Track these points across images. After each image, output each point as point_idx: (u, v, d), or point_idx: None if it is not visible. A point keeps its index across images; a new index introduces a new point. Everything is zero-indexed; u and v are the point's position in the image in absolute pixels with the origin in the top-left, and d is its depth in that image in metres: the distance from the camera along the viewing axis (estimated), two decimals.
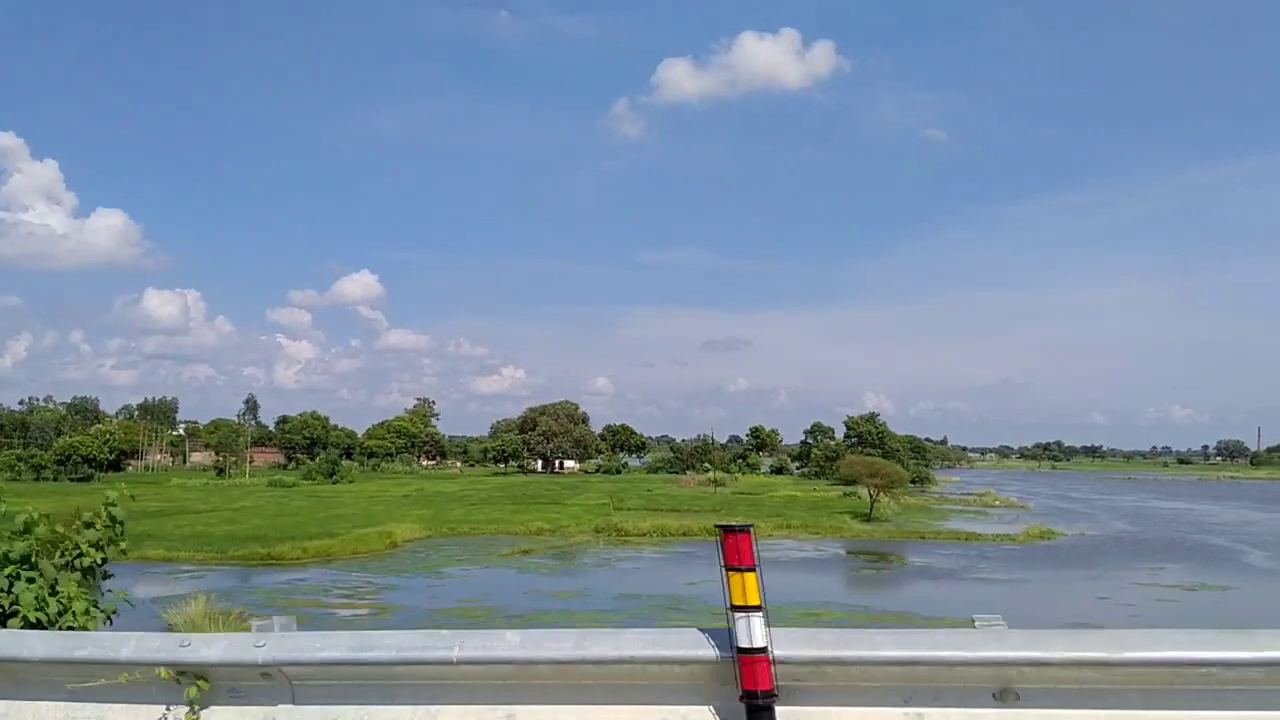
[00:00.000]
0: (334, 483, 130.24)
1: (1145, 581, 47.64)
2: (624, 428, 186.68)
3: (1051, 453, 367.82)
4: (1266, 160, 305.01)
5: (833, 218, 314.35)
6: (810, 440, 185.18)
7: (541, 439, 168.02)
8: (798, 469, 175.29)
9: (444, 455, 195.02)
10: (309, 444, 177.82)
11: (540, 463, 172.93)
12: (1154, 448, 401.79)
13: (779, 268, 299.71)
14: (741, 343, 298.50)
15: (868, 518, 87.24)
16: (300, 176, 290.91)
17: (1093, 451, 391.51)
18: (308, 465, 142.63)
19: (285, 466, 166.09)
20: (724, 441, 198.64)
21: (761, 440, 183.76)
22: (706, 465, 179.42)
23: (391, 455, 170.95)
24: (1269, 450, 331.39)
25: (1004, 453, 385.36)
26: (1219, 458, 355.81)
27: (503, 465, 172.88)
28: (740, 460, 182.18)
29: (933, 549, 66.60)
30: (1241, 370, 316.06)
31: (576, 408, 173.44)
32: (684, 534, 72.38)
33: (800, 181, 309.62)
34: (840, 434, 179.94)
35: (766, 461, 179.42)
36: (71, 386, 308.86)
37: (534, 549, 62.78)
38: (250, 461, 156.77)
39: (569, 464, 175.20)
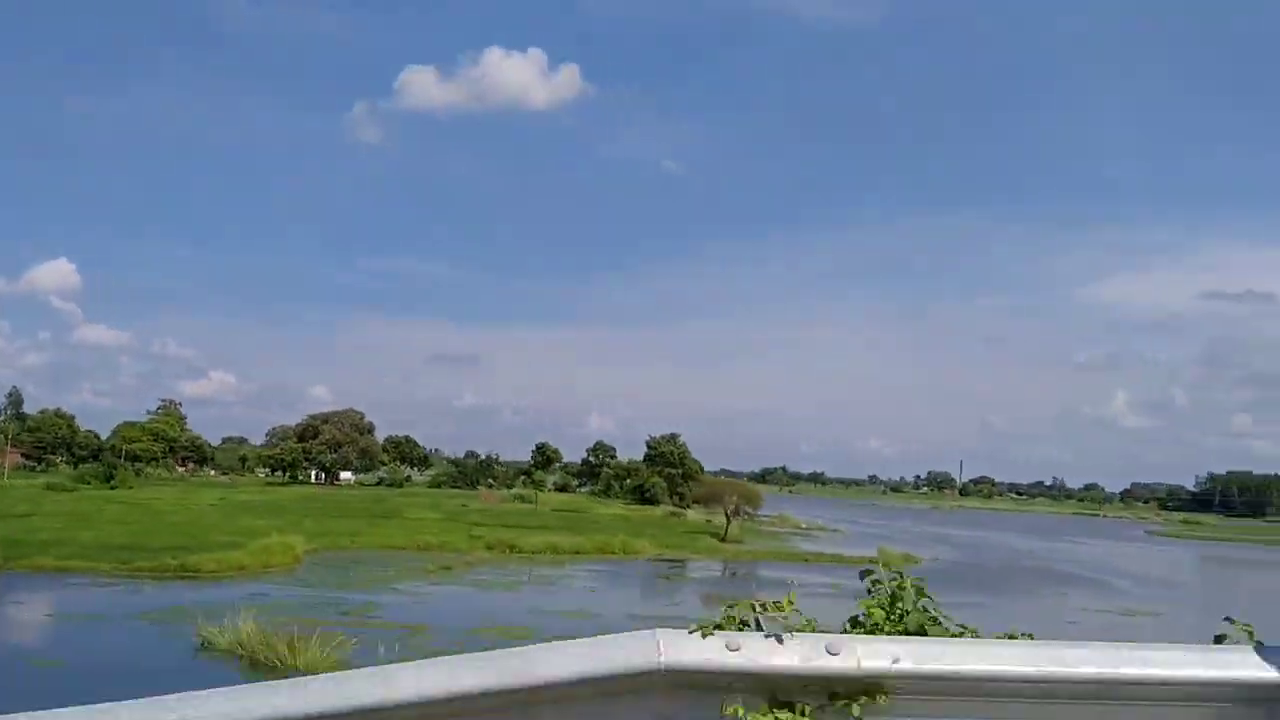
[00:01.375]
0: (112, 488, 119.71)
1: (1078, 605, 52.39)
2: (407, 440, 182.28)
3: (777, 478, 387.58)
4: (983, 211, 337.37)
5: (569, 240, 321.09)
6: (593, 459, 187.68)
7: (324, 448, 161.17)
8: (581, 487, 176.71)
9: (204, 461, 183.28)
10: (56, 444, 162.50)
11: (321, 474, 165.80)
12: (869, 477, 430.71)
13: (511, 285, 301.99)
14: (471, 358, 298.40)
15: (722, 538, 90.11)
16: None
17: (817, 478, 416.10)
18: (84, 469, 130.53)
19: (33, 468, 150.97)
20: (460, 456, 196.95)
21: (547, 457, 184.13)
22: (490, 481, 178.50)
23: (157, 459, 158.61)
24: (972, 482, 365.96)
25: (734, 477, 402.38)
26: (927, 487, 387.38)
27: (278, 474, 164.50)
28: (524, 477, 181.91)
29: (827, 571, 69.83)
30: (938, 408, 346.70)
31: (361, 417, 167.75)
32: (577, 552, 72.51)
33: (539, 201, 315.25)
34: (621, 453, 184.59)
35: (549, 479, 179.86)
36: None
37: (453, 565, 61.23)
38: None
39: (344, 475, 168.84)
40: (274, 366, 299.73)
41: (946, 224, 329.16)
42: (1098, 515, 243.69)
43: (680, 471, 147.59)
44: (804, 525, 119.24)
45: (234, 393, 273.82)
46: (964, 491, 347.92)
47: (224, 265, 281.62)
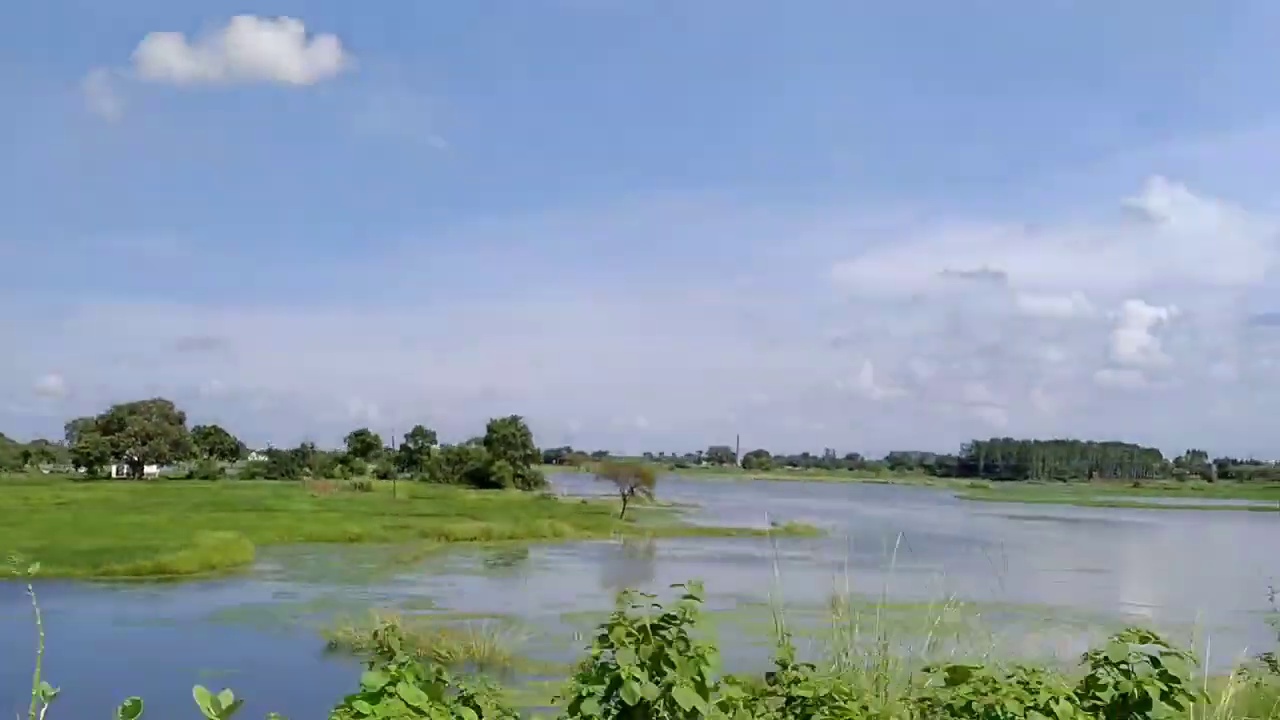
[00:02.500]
0: None
1: (1041, 568, 57.30)
2: (216, 429, 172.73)
3: (573, 458, 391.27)
4: (735, 193, 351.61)
5: (320, 218, 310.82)
6: (411, 445, 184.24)
7: (134, 440, 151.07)
8: (402, 474, 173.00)
9: None
10: None
11: (127, 468, 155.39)
12: (644, 453, 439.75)
13: (262, 265, 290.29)
14: (218, 341, 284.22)
15: (620, 517, 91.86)
16: None
17: (602, 455, 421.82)
18: None
19: None
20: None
21: (367, 444, 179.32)
22: (307, 470, 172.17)
23: None
24: (754, 454, 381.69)
25: None
26: (708, 462, 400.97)
27: (83, 470, 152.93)
28: (342, 465, 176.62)
29: (741, 544, 72.81)
30: (701, 385, 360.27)
31: (171, 406, 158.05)
32: (511, 537, 72.78)
33: (292, 178, 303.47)
34: (441, 438, 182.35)
35: (369, 467, 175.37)
36: None
37: (418, 556, 60.13)
38: None
39: (149, 469, 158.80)
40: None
41: (701, 205, 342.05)
42: (886, 483, 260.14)
43: (524, 454, 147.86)
44: (665, 503, 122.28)
45: None
46: (746, 464, 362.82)
47: None
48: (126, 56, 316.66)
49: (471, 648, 30.58)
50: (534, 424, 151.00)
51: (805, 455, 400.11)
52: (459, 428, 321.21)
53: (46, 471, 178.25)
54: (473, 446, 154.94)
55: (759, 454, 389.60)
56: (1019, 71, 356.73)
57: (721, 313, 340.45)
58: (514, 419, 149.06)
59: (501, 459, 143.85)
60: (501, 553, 63.97)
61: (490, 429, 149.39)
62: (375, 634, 31.55)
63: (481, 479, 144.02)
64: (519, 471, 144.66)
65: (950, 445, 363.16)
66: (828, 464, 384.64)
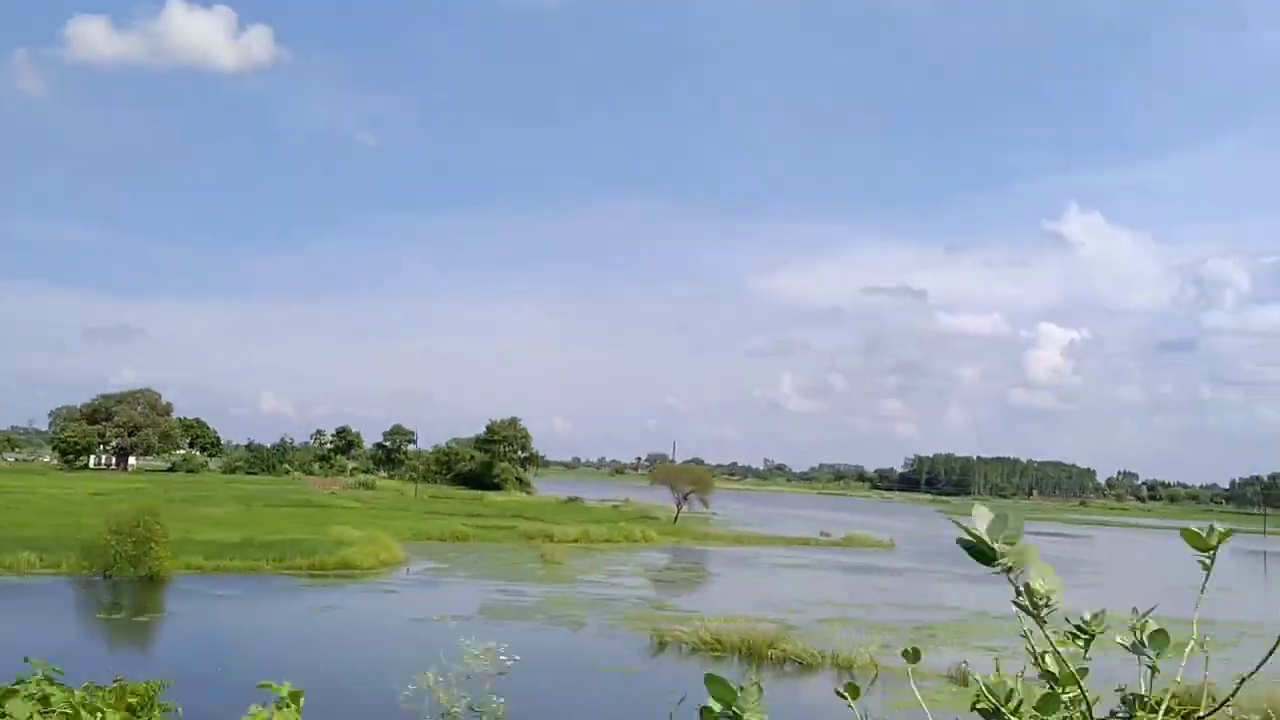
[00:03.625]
0: None
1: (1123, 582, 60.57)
2: (199, 422, 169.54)
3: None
4: (666, 201, 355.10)
5: (242, 209, 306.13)
6: (389, 444, 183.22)
7: (121, 431, 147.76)
8: (378, 472, 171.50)
9: None
10: None
11: (112, 460, 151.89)
12: (573, 459, 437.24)
13: (177, 255, 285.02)
14: (129, 331, 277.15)
15: (674, 522, 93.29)
16: None
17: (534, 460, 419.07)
18: None
19: None
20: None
21: (349, 441, 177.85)
22: (286, 466, 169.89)
23: None
24: (691, 463, 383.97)
25: None
26: (646, 468, 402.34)
27: (71, 460, 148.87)
28: (323, 462, 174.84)
29: (828, 553, 75.46)
30: (623, 391, 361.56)
31: (159, 397, 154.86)
32: (608, 540, 73.96)
33: (216, 167, 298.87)
34: (421, 439, 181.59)
35: (349, 465, 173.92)
36: None
37: (558, 559, 60.72)
38: None
39: (131, 461, 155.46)
40: None
41: (632, 210, 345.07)
42: (844, 495, 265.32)
43: (525, 455, 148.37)
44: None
45: None
46: None
47: None
48: (53, 36, 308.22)
49: (834, 653, 31.83)
50: (450, 423, 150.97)
51: (736, 465, 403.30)
52: (376, 425, 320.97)
53: (10, 460, 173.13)
54: (454, 446, 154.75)
55: (697, 462, 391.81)
56: (947, 91, 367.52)
57: (652, 319, 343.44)
58: (513, 420, 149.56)
59: (503, 460, 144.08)
60: (626, 555, 65.22)
61: (490, 430, 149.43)
62: (701, 636, 33.19)
63: (476, 480, 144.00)
64: (517, 474, 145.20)
65: (869, 458, 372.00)
66: (765, 474, 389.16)
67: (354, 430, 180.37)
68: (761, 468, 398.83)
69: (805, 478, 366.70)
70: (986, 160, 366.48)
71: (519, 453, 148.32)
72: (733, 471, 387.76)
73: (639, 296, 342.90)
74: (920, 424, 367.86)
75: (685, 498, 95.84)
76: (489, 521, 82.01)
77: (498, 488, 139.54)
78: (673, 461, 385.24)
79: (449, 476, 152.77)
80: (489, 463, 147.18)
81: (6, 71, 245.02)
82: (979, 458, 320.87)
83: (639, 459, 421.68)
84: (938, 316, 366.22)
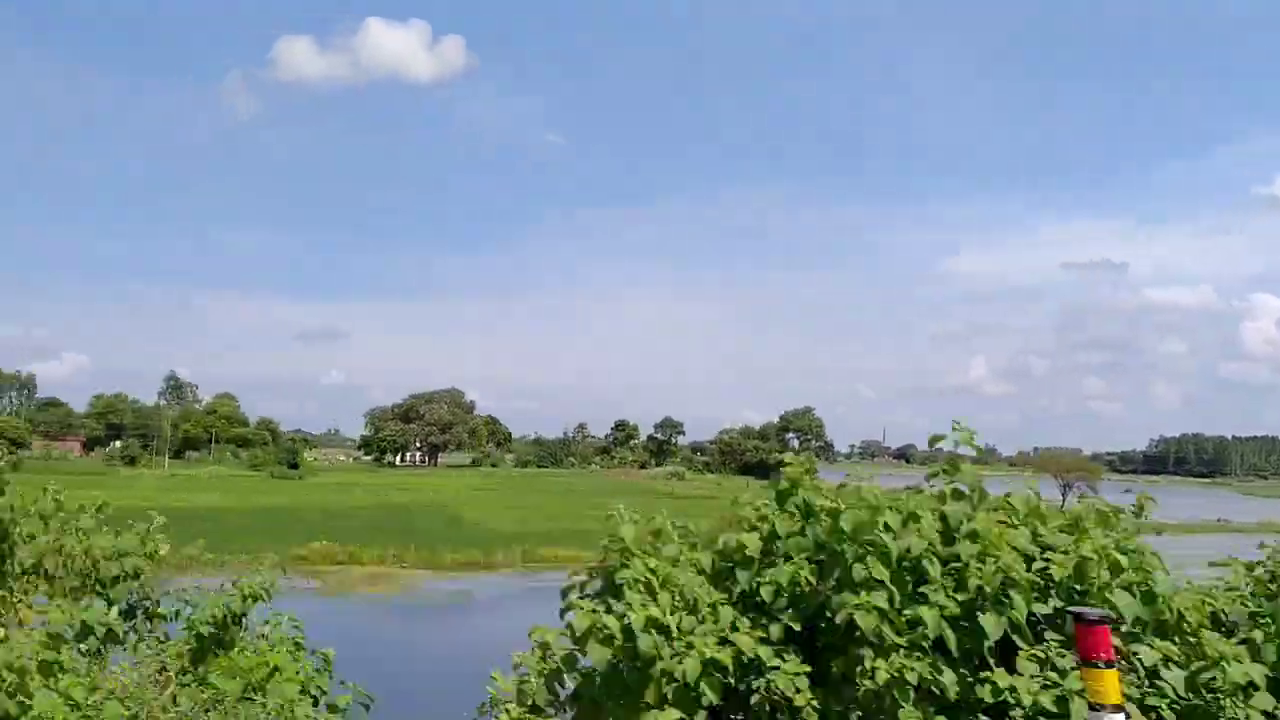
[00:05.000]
0: (299, 477, 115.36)
1: None
2: (492, 419, 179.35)
3: None
4: (820, 184, 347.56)
5: (439, 210, 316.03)
6: (659, 435, 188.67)
7: (433, 429, 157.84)
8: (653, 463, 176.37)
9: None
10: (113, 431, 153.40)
11: (419, 456, 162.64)
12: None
13: (377, 260, 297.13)
14: (335, 334, 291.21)
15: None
16: None
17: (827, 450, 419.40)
18: (253, 457, 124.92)
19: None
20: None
21: (628, 434, 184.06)
22: (572, 460, 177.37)
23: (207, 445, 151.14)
24: (903, 448, 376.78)
25: None
26: (859, 456, 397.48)
27: (378, 457, 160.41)
28: (604, 455, 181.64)
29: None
30: (807, 381, 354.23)
31: (462, 395, 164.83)
32: None
33: (413, 173, 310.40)
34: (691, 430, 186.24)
35: (629, 455, 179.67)
36: None
37: None
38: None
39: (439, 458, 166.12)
40: (129, 347, 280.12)
41: (805, 196, 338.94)
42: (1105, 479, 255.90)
43: (819, 445, 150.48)
44: None
45: (88, 374, 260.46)
46: (906, 459, 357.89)
47: (75, 245, 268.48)
48: (262, 58, 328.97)
49: None
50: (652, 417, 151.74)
51: (940, 451, 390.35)
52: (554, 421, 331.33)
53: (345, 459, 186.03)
54: (734, 437, 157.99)
55: (908, 449, 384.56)
56: (1134, 57, 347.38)
57: (832, 308, 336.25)
58: (807, 410, 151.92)
59: (803, 449, 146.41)
60: None
61: (783, 420, 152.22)
62: None
63: (761, 470, 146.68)
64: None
65: (1073, 440, 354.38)
66: (987, 460, 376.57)
67: (631, 423, 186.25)
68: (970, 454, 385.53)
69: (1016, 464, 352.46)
70: (1183, 126, 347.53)
71: (813, 441, 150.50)
72: (933, 457, 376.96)
73: (815, 286, 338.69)
74: (1127, 402, 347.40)
75: (1069, 486, 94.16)
76: None
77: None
78: (885, 447, 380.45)
79: (733, 467, 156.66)
80: (778, 451, 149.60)
81: (221, 93, 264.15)
82: (1234, 437, 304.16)
83: (852, 447, 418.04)
84: (1140, 290, 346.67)
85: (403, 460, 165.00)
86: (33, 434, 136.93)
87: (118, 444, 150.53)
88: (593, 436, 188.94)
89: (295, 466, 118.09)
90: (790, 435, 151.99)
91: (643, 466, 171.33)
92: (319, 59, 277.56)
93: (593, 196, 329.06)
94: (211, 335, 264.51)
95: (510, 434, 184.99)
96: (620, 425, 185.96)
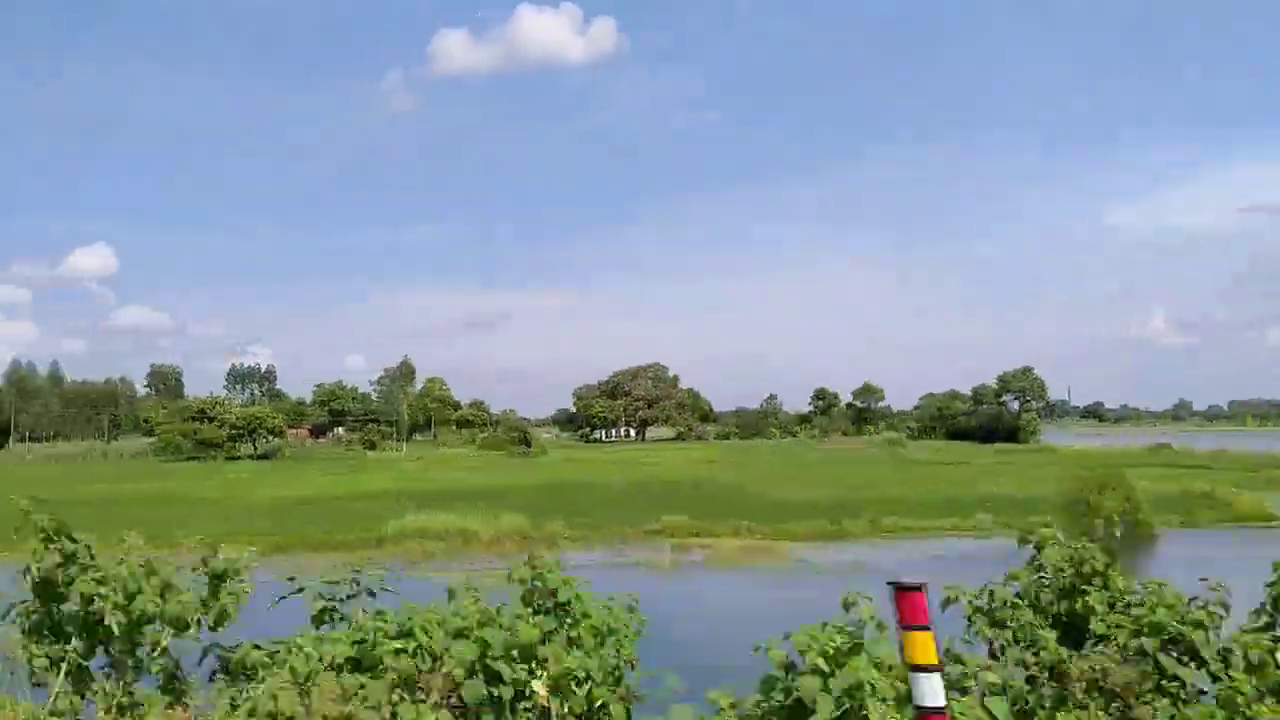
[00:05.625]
0: (533, 455, 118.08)
1: None
2: (693, 393, 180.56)
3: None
4: (988, 142, 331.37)
5: (601, 193, 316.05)
6: (858, 403, 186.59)
7: (641, 404, 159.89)
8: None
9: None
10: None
11: (628, 431, 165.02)
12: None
13: (536, 245, 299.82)
14: (500, 319, 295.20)
15: None
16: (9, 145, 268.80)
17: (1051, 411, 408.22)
18: (487, 439, 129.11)
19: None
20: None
21: (829, 403, 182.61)
22: (773, 430, 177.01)
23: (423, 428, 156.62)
24: (1092, 406, 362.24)
25: None
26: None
27: (586, 434, 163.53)
28: (805, 424, 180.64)
29: None
30: (983, 344, 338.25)
31: (665, 370, 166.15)
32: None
33: (566, 157, 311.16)
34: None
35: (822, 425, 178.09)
36: None
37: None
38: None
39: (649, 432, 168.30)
40: (308, 338, 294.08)
41: (958, 156, 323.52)
42: None
43: (1041, 405, 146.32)
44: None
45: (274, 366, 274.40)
46: (1098, 417, 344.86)
47: (254, 241, 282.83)
48: (420, 54, 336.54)
49: None
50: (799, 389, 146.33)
51: (1126, 407, 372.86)
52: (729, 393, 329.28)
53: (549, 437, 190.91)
54: (942, 401, 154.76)
55: (1097, 407, 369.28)
56: None
57: (991, 267, 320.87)
58: (1026, 370, 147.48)
59: (1027, 412, 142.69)
60: None
61: (1001, 380, 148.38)
62: None
63: (968, 435, 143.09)
64: (1033, 427, 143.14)
65: (1263, 391, 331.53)
66: (1179, 415, 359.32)
67: (831, 390, 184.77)
68: (1167, 409, 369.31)
69: (1212, 416, 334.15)
70: None
71: (1034, 402, 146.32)
72: (1126, 416, 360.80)
73: (989, 244, 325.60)
74: None
75: None
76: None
77: (1009, 440, 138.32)
78: (1070, 407, 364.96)
79: (941, 432, 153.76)
80: (997, 415, 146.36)
81: (382, 92, 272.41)
82: None
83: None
84: None
85: (608, 436, 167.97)
86: None
87: (340, 430, 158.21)
88: (782, 407, 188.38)
89: (528, 444, 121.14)
90: (1009, 396, 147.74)
91: (844, 434, 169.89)
92: (474, 50, 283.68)
93: (752, 168, 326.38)
94: (383, 324, 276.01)
95: (711, 407, 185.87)
96: (820, 394, 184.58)
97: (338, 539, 43.05)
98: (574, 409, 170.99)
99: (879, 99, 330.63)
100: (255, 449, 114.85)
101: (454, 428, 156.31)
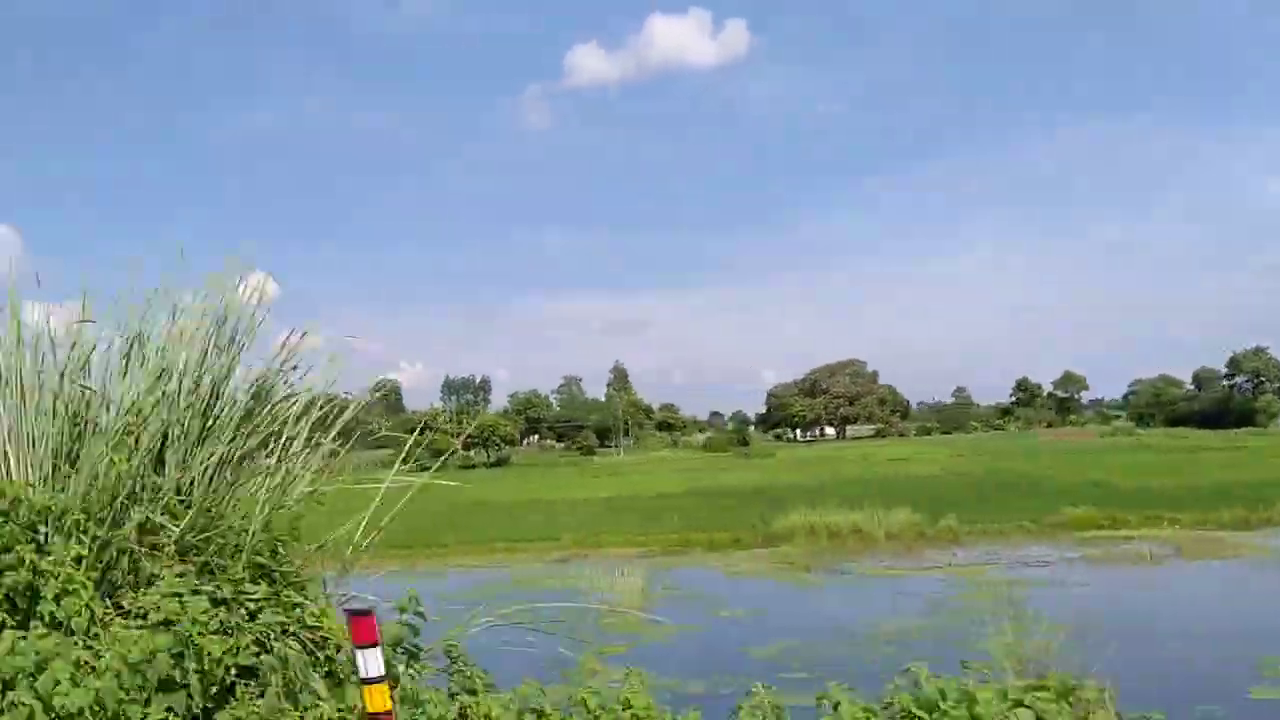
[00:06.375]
0: (752, 456, 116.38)
1: None
2: (892, 389, 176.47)
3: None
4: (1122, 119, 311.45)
5: (730, 195, 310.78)
6: (1059, 392, 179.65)
7: (841, 401, 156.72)
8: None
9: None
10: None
11: (822, 431, 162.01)
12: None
13: (673, 246, 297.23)
14: (638, 323, 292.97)
15: None
16: (172, 175, 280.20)
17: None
18: (714, 439, 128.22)
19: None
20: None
21: (1031, 393, 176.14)
22: (973, 424, 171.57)
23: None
24: None
25: None
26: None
27: (779, 434, 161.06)
28: (1006, 415, 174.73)
29: None
30: (1137, 330, 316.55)
31: (864, 365, 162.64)
32: None
33: (699, 160, 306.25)
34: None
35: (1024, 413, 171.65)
36: None
37: None
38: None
39: (829, 432, 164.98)
40: (453, 353, 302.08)
41: (1105, 133, 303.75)
42: None
43: (1278, 387, 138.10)
44: None
45: (427, 381, 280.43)
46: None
47: (397, 261, 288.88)
48: (555, 69, 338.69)
49: None
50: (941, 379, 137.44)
51: None
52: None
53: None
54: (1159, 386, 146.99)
55: None
56: None
57: (1139, 246, 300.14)
58: (1259, 350, 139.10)
59: (1261, 395, 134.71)
60: None
61: (1233, 362, 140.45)
62: None
63: (1212, 420, 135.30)
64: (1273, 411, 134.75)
65: None
66: None
67: (1033, 380, 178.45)
68: None
69: None
70: None
71: (1268, 384, 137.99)
72: None
73: (1122, 226, 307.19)
74: None
75: None
76: None
77: (1245, 424, 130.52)
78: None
79: (1161, 420, 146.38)
80: (1225, 399, 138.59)
81: (518, 108, 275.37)
82: None
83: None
84: None
85: (805, 435, 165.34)
86: None
87: (535, 437, 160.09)
88: (971, 400, 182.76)
89: (746, 445, 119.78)
90: (1241, 379, 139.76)
91: (1048, 426, 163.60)
92: (606, 61, 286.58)
93: (905, 155, 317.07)
94: (527, 333, 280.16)
95: (908, 403, 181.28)
96: (1021, 384, 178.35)
97: (732, 536, 42.10)
98: (765, 409, 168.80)
99: (1037, 72, 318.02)
100: (489, 457, 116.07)
101: (655, 431, 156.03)
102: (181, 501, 5.94)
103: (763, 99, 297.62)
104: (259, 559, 5.72)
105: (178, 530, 5.72)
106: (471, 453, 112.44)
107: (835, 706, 4.90)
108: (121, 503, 5.79)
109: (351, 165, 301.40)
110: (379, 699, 4.35)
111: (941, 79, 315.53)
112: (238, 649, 4.79)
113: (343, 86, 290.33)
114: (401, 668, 5.23)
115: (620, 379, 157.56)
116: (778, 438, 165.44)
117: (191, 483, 6.13)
